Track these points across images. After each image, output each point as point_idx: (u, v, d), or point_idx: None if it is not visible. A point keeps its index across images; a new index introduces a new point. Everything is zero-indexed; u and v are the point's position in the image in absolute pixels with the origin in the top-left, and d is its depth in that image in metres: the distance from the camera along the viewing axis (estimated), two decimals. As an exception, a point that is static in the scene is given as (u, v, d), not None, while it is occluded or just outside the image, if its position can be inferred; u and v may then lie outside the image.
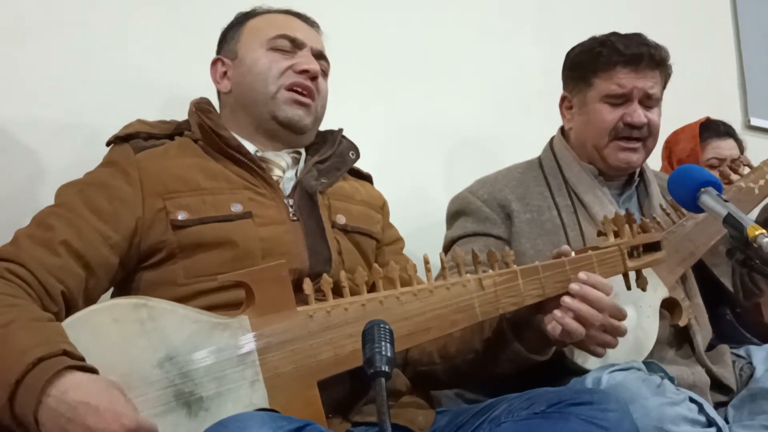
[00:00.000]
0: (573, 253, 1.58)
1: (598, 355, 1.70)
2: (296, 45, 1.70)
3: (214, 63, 1.76)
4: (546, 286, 1.52)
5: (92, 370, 1.22)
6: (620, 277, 1.65)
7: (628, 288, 1.64)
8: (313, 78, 1.68)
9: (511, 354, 1.57)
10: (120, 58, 2.05)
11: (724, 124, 2.90)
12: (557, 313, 1.50)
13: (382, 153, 2.42)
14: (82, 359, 1.22)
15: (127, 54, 2.07)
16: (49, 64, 1.95)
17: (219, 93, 1.76)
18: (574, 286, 1.51)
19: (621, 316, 1.65)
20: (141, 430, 1.18)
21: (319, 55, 1.74)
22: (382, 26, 2.62)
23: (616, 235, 1.64)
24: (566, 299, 1.50)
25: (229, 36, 1.77)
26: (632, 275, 1.64)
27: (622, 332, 1.66)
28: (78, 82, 1.98)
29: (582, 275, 1.52)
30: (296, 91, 1.66)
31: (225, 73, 1.73)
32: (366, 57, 2.53)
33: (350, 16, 2.53)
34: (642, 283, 1.63)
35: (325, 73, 1.76)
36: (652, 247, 1.64)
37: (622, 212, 1.68)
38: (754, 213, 2.32)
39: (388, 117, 2.55)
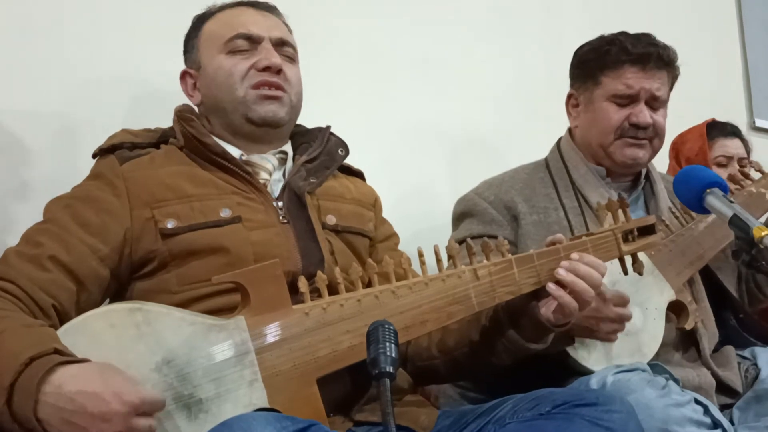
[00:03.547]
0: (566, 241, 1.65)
1: (610, 341, 1.77)
2: (254, 41, 1.74)
3: (182, 77, 1.82)
4: (541, 274, 1.59)
5: (84, 361, 1.28)
6: (623, 277, 1.73)
7: (625, 273, 1.71)
8: (278, 71, 1.73)
9: (507, 343, 1.63)
10: (120, 58, 2.13)
11: (730, 124, 3.06)
12: (551, 285, 1.57)
13: (386, 153, 2.54)
14: (73, 356, 1.28)
15: (128, 55, 2.14)
16: (49, 64, 2.03)
17: (195, 105, 1.81)
18: (564, 262, 1.59)
19: (623, 302, 1.73)
20: (145, 403, 1.24)
21: (281, 43, 1.78)
22: (386, 26, 2.72)
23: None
24: (560, 271, 1.58)
25: (189, 46, 1.83)
26: (629, 260, 1.71)
27: (627, 317, 1.74)
28: (77, 82, 2.06)
29: (574, 255, 1.60)
30: (263, 88, 1.71)
31: (194, 84, 1.79)
32: (370, 57, 2.63)
33: (355, 16, 2.62)
34: (638, 267, 1.70)
35: (292, 59, 1.80)
36: (647, 230, 1.71)
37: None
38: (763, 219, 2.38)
39: (393, 117, 2.65)
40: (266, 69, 1.72)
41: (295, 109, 1.80)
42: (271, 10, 1.83)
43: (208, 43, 1.78)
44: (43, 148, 1.99)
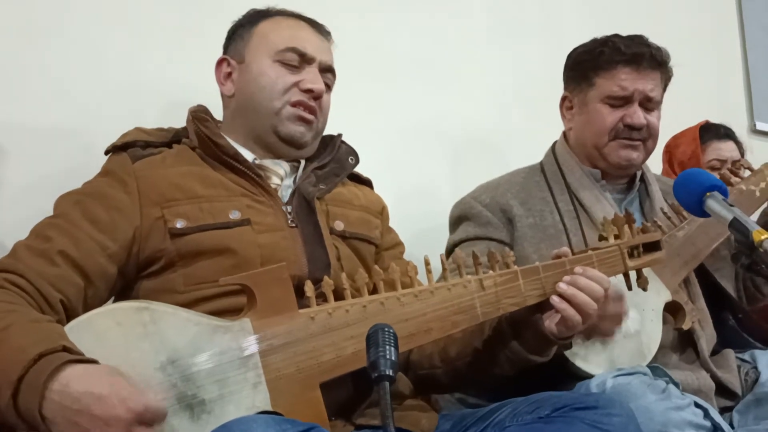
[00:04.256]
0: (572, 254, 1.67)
1: (609, 336, 1.81)
2: (305, 60, 1.77)
3: (219, 62, 1.82)
4: (546, 286, 1.62)
5: (92, 361, 1.29)
6: (622, 279, 1.75)
7: (629, 288, 1.73)
8: (317, 97, 1.76)
9: (510, 354, 1.66)
10: (123, 62, 2.13)
11: (724, 126, 3.05)
12: (555, 298, 1.60)
13: (387, 155, 2.54)
14: (82, 354, 1.29)
15: (131, 58, 2.15)
16: (52, 67, 2.03)
17: (222, 94, 1.83)
18: (566, 277, 1.62)
19: (619, 298, 1.76)
20: (149, 412, 1.25)
21: (327, 69, 1.81)
22: (387, 27, 2.73)
23: (617, 237, 1.74)
24: (561, 284, 1.61)
25: (237, 35, 1.83)
26: (633, 275, 1.73)
27: (623, 312, 1.78)
28: (80, 86, 2.06)
29: (578, 268, 1.63)
30: (300, 108, 1.74)
31: (229, 74, 1.80)
32: (371, 58, 2.64)
33: (357, 17, 2.64)
34: (642, 283, 1.73)
35: (329, 87, 1.82)
36: (652, 246, 1.74)
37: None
38: (755, 216, 2.40)
39: (393, 119, 2.66)
40: (308, 91, 1.75)
41: (319, 135, 1.83)
42: (327, 35, 1.85)
43: (259, 43, 1.79)
44: (42, 151, 2.00)
